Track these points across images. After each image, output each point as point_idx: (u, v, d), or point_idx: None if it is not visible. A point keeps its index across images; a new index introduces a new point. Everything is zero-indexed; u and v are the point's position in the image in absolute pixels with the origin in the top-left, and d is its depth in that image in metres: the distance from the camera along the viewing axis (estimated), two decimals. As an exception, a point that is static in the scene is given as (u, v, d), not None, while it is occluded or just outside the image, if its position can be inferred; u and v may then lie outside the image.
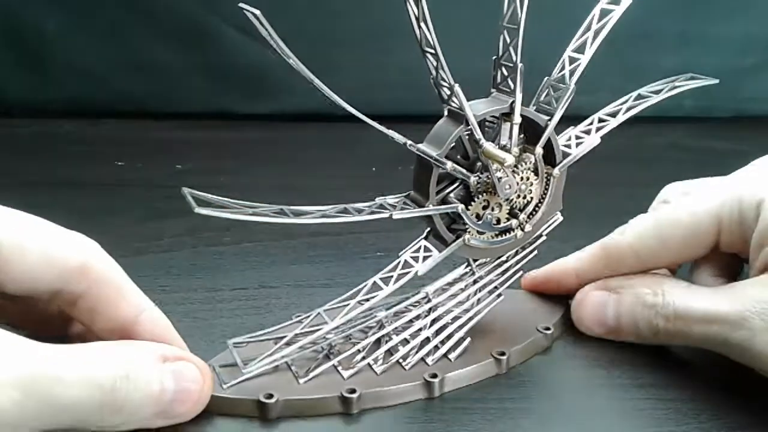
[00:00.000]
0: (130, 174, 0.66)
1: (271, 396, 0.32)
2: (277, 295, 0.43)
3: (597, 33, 0.34)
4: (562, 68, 0.35)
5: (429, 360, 0.35)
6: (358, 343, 0.35)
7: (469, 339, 0.36)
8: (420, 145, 0.33)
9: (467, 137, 0.34)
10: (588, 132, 0.37)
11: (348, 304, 0.33)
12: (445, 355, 0.36)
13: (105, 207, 0.57)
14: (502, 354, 0.36)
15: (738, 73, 0.77)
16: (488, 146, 0.33)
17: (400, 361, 0.35)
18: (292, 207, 0.30)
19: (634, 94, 0.38)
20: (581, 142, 0.36)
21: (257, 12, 0.26)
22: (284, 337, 0.34)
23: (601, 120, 0.37)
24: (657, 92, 0.38)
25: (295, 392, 0.33)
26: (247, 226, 0.52)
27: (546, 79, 0.35)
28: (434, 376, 0.34)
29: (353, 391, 0.33)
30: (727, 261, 0.39)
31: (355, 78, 0.74)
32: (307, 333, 0.34)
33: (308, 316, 0.35)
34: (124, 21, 0.79)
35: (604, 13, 0.35)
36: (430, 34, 0.31)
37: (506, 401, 0.34)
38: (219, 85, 0.81)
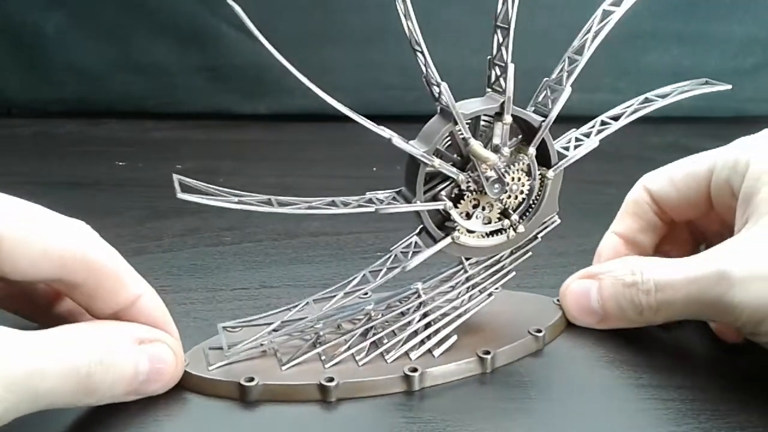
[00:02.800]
0: (130, 174, 0.66)
1: (251, 379, 0.33)
2: (277, 295, 0.43)
3: (596, 34, 0.34)
4: (561, 69, 0.35)
5: (412, 354, 0.35)
6: (346, 333, 0.36)
7: (455, 337, 0.36)
8: (407, 142, 0.32)
9: (460, 136, 0.33)
10: (588, 134, 0.36)
11: (336, 295, 0.34)
12: (429, 351, 0.36)
13: (105, 207, 0.57)
14: (487, 353, 0.36)
15: (738, 73, 0.77)
16: (475, 145, 0.33)
17: (383, 353, 0.35)
18: (279, 197, 0.30)
19: (641, 97, 0.38)
20: (580, 145, 0.36)
21: (237, 7, 0.27)
22: (273, 323, 0.35)
23: (603, 123, 0.37)
24: (665, 96, 0.37)
25: (276, 377, 0.34)
26: (248, 225, 0.53)
27: (545, 80, 0.35)
28: (414, 370, 0.34)
29: (331, 379, 0.33)
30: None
31: (353, 78, 0.74)
32: (294, 320, 0.35)
33: (297, 305, 0.36)
34: (124, 21, 0.79)
35: (606, 14, 0.34)
36: (415, 31, 0.30)
37: (508, 401, 0.34)
38: (219, 85, 0.81)
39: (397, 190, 0.35)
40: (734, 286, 0.32)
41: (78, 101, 0.81)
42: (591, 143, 0.36)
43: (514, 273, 0.38)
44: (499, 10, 0.32)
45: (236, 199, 0.29)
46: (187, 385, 0.34)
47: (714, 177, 0.37)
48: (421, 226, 0.35)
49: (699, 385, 0.35)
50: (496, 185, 0.34)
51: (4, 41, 0.79)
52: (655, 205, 0.40)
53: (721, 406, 0.33)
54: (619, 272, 0.36)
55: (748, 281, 0.32)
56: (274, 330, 0.35)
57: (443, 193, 0.34)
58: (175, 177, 0.29)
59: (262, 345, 0.35)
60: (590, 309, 0.38)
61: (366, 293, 0.38)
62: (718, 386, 0.35)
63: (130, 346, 0.31)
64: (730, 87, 0.37)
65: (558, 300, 0.39)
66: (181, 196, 0.28)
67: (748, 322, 0.32)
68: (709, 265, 0.33)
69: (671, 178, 0.39)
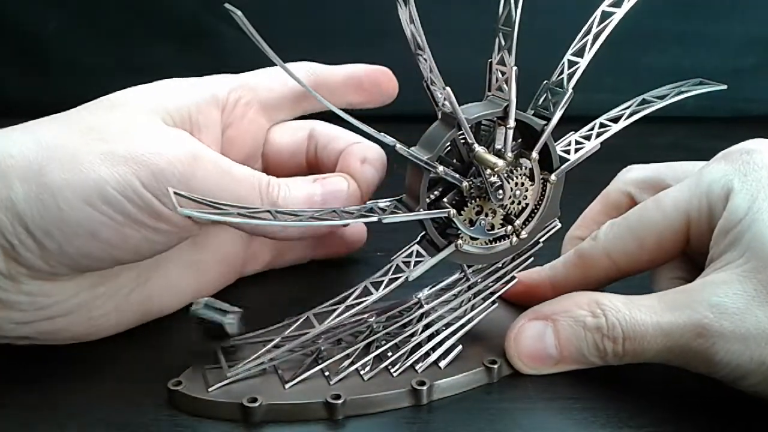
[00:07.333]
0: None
1: (255, 400, 0.32)
2: (275, 308, 0.42)
3: (597, 36, 0.34)
4: (561, 72, 0.34)
5: (418, 367, 0.35)
6: (348, 348, 0.35)
7: (460, 347, 0.36)
8: (411, 149, 0.32)
9: (462, 141, 0.33)
10: (588, 137, 0.36)
11: (337, 308, 0.33)
12: (434, 363, 0.35)
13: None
14: (494, 363, 0.35)
15: (738, 73, 0.77)
16: (481, 151, 0.32)
17: (389, 367, 0.35)
18: (279, 209, 0.30)
19: (639, 99, 0.37)
20: (581, 147, 0.35)
21: (239, 13, 0.26)
22: (272, 340, 0.34)
23: (602, 125, 0.36)
24: (662, 97, 0.37)
25: (279, 397, 0.33)
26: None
27: (545, 82, 0.35)
28: (422, 383, 0.33)
29: (338, 397, 0.32)
30: (689, 263, 0.37)
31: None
32: (294, 336, 0.34)
33: (297, 320, 0.34)
34: (124, 21, 0.79)
35: (605, 15, 0.34)
36: (420, 35, 0.30)
37: (516, 411, 0.33)
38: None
39: (398, 197, 0.34)
40: (715, 344, 0.30)
41: (78, 101, 0.81)
42: (592, 146, 0.35)
43: (516, 279, 0.37)
44: (501, 12, 0.32)
45: (236, 212, 0.29)
46: (185, 407, 0.33)
47: (693, 228, 0.35)
48: (423, 233, 0.34)
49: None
50: (501, 191, 0.33)
51: (4, 41, 0.79)
52: (616, 270, 0.37)
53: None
54: (576, 312, 0.33)
55: (729, 340, 0.30)
56: (275, 346, 0.34)
57: (446, 200, 0.34)
58: (171, 191, 0.28)
59: (262, 363, 0.34)
60: (545, 355, 0.34)
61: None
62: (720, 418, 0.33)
63: (305, 181, 0.37)
64: (725, 87, 0.37)
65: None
66: (181, 211, 0.27)
67: (727, 377, 0.31)
68: (682, 314, 0.31)
69: (641, 243, 0.35)
